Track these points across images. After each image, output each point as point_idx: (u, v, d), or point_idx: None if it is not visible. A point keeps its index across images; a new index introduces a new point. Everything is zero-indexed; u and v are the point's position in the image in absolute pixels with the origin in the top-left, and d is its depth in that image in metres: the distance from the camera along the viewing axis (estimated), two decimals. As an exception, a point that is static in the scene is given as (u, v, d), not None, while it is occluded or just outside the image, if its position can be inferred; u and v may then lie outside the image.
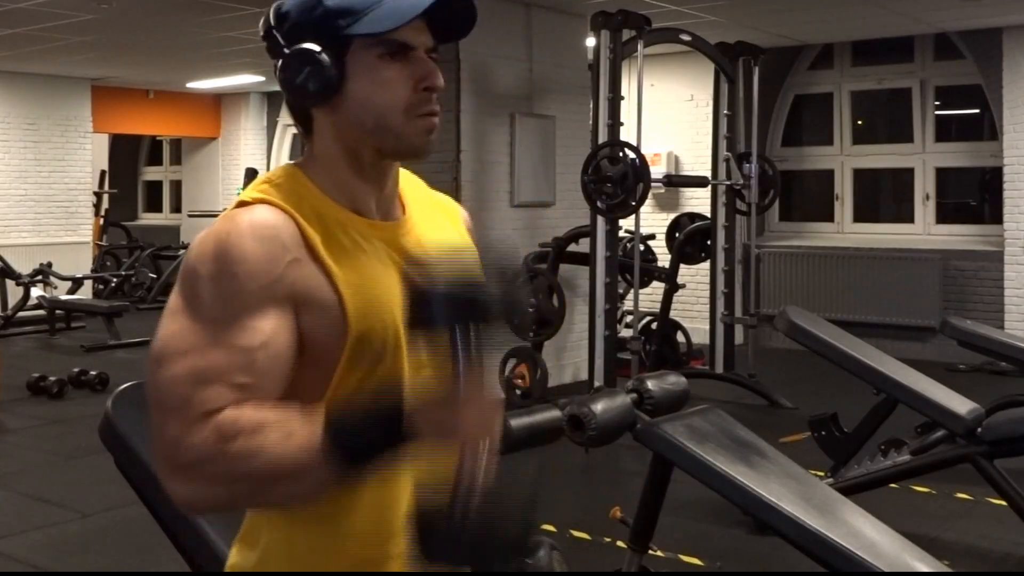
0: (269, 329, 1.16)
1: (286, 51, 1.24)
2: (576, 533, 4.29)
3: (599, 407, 2.68)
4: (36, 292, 10.08)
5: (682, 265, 7.80)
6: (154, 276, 12.37)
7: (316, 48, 1.22)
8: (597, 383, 6.43)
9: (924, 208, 8.97)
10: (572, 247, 7.27)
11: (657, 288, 8.07)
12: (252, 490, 1.14)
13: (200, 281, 1.17)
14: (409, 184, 1.39)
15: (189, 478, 1.13)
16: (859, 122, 9.50)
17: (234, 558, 1.32)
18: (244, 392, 1.15)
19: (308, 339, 1.20)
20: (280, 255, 1.18)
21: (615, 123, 6.45)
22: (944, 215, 9.02)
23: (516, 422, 2.35)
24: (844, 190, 9.40)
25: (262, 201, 1.23)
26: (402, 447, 1.10)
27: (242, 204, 1.24)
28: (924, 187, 8.95)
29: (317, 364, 1.21)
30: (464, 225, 1.43)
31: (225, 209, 1.29)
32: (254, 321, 1.16)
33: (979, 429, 3.92)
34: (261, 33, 1.29)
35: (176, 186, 14.34)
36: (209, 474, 1.12)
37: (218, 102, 13.27)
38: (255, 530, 1.29)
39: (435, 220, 1.37)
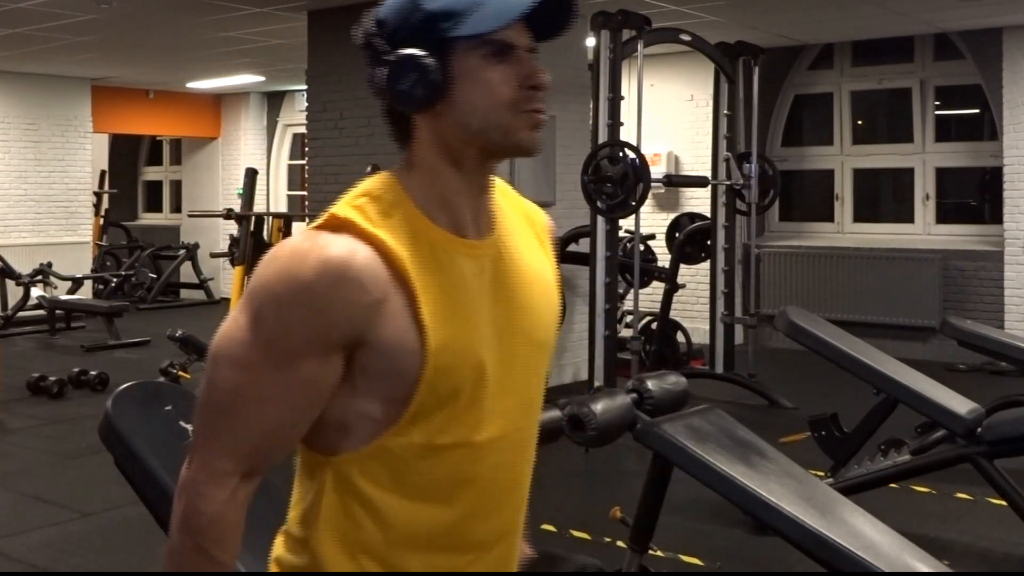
0: (313, 366, 1.17)
1: (390, 58, 1.20)
2: (576, 533, 4.29)
3: (599, 407, 2.69)
4: (36, 292, 10.07)
5: (682, 265, 7.80)
6: (154, 276, 12.37)
7: (421, 53, 1.19)
8: (597, 383, 6.43)
9: (924, 208, 8.97)
10: (572, 247, 7.27)
11: (657, 288, 8.07)
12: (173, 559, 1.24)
13: (266, 297, 1.17)
14: (501, 193, 1.35)
15: (178, 497, 1.24)
16: (859, 122, 9.50)
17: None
18: (268, 440, 1.21)
19: (377, 371, 1.19)
20: (352, 298, 1.15)
21: (615, 123, 6.45)
22: (944, 215, 9.01)
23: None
24: (844, 190, 9.40)
25: (352, 225, 1.19)
26: None
27: (333, 220, 1.20)
28: (924, 187, 8.95)
29: (387, 391, 1.20)
30: (549, 236, 1.41)
31: (309, 221, 1.29)
32: (300, 357, 1.17)
33: (979, 429, 3.92)
34: (359, 42, 1.25)
35: (176, 186, 14.32)
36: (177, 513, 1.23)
37: (218, 102, 13.27)
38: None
39: (524, 235, 1.35)
